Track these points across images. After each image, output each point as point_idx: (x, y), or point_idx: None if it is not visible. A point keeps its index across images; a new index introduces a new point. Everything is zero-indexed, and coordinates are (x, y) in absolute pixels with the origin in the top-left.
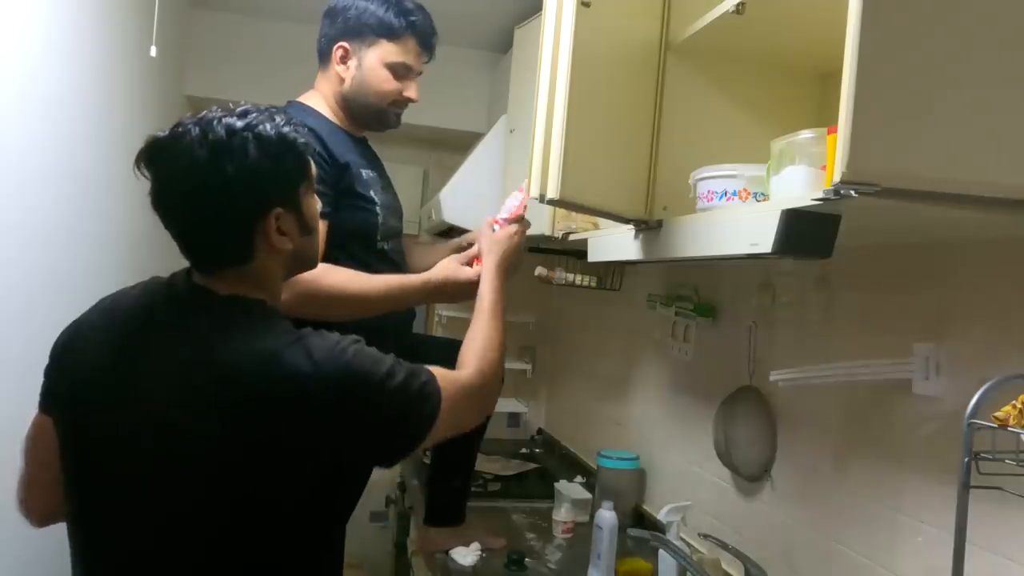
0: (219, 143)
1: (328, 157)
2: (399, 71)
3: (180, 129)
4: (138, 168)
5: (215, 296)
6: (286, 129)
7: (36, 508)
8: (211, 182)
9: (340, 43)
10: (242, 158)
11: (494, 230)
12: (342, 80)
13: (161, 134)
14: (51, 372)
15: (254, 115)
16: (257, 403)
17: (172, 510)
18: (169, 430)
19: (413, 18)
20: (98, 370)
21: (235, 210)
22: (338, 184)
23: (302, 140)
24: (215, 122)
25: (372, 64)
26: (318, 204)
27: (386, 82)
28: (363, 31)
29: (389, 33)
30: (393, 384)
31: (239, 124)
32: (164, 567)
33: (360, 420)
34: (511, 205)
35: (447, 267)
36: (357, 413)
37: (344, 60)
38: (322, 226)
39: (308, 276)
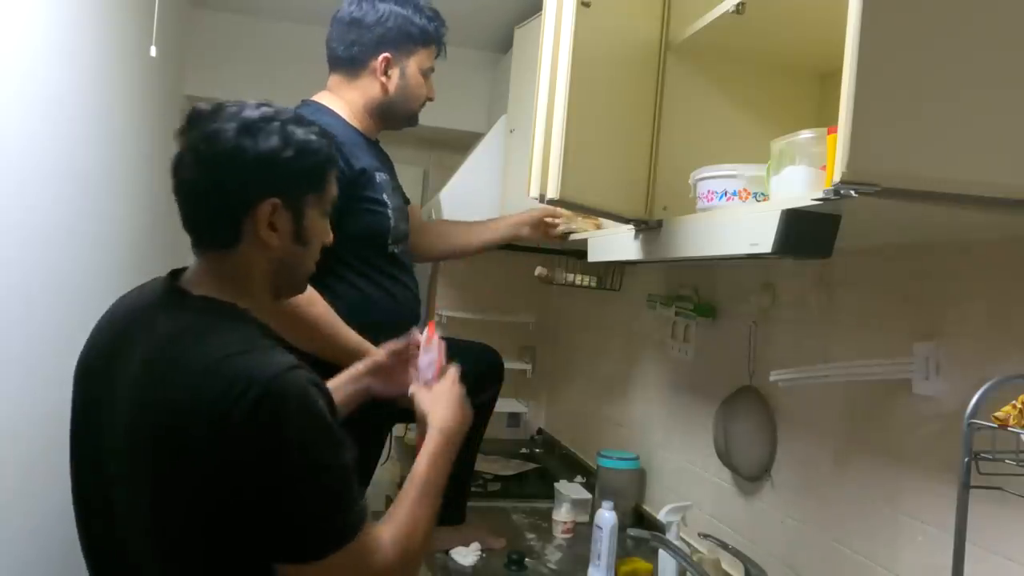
0: (248, 122)
1: (345, 164)
2: (428, 75)
3: (220, 105)
4: (177, 138)
5: (186, 296)
6: (315, 138)
7: None
8: (226, 151)
9: (383, 54)
10: (263, 141)
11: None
12: (385, 90)
13: (203, 106)
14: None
15: (292, 116)
16: (187, 411)
17: (142, 512)
18: (129, 433)
19: (436, 22)
20: (89, 375)
21: (236, 185)
22: (352, 190)
23: (328, 154)
24: (254, 106)
25: (414, 72)
26: (327, 229)
27: (422, 87)
28: (405, 40)
29: (426, 40)
30: (326, 477)
31: (274, 115)
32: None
33: (263, 483)
34: (430, 360)
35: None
36: (270, 471)
37: (387, 71)
38: None
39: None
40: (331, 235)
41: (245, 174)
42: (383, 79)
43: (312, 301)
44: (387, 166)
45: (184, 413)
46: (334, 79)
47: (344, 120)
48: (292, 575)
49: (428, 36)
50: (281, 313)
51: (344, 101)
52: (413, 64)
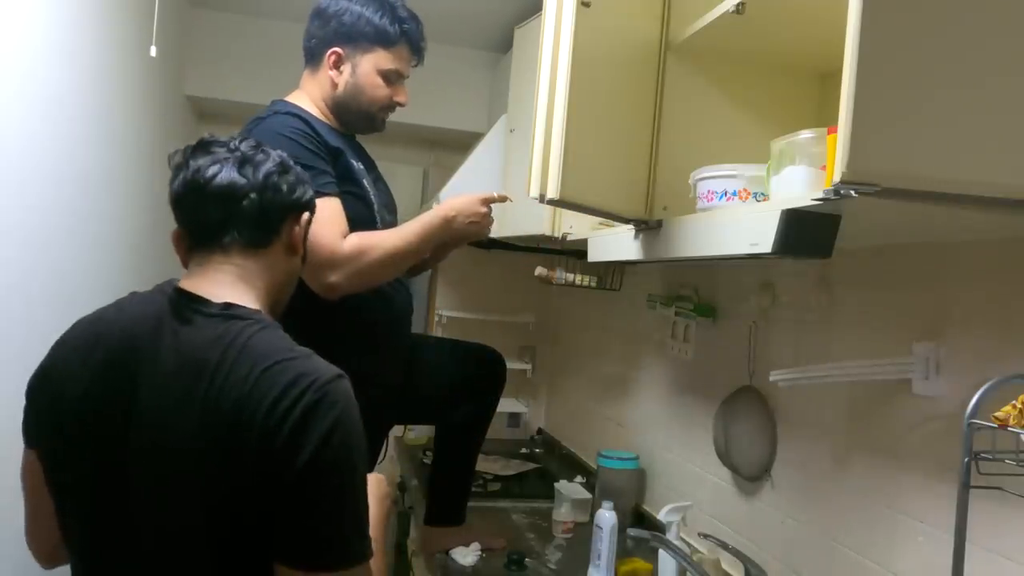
0: (279, 156)
1: (320, 140)
2: (391, 78)
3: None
4: (201, 151)
5: (208, 303)
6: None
7: (43, 542)
8: (275, 161)
9: (333, 48)
10: (294, 169)
11: None
12: (335, 85)
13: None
14: (33, 406)
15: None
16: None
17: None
18: (167, 436)
19: (407, 26)
20: (89, 398)
21: (283, 187)
22: (334, 168)
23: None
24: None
25: (366, 71)
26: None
27: (379, 88)
28: (358, 38)
29: (384, 41)
30: (361, 491)
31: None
32: None
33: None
34: None
35: (449, 200)
36: (317, 473)
37: (337, 65)
38: (336, 204)
39: (350, 251)
40: None
41: (291, 185)
42: (332, 73)
43: (364, 251)
44: (364, 158)
45: (242, 412)
46: (304, 73)
47: (309, 112)
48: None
49: (387, 37)
50: (366, 266)
51: (308, 95)
52: (367, 63)
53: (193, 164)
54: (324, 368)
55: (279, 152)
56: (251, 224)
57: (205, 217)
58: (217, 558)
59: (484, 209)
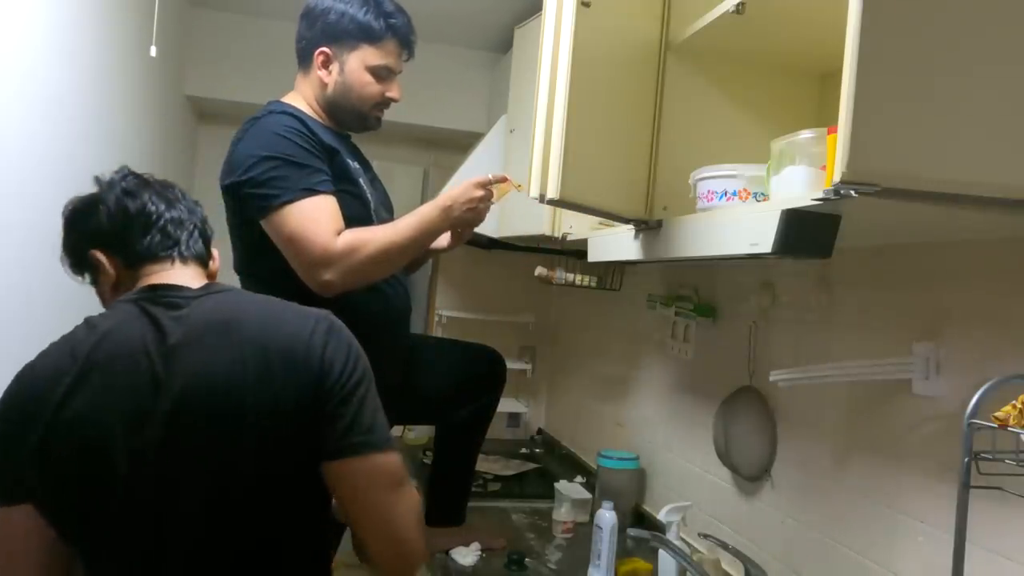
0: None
1: (315, 139)
2: (381, 74)
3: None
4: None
5: (189, 290)
6: None
7: None
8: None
9: (321, 48)
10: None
11: None
12: (324, 85)
13: None
14: (13, 455)
15: None
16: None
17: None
18: (204, 395)
19: (393, 20)
20: (100, 418)
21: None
22: (330, 167)
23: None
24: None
25: (354, 68)
26: None
27: (369, 85)
28: (343, 36)
29: (370, 37)
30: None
31: None
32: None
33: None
34: None
35: (446, 191)
36: (352, 377)
37: (326, 65)
38: (331, 202)
39: (344, 248)
40: None
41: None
42: (321, 73)
43: (357, 248)
44: (359, 158)
45: (294, 345)
46: (297, 74)
47: (304, 112)
48: (346, 473)
49: (372, 33)
50: (359, 265)
51: (301, 96)
52: (354, 60)
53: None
54: (315, 308)
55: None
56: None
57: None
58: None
59: (480, 192)
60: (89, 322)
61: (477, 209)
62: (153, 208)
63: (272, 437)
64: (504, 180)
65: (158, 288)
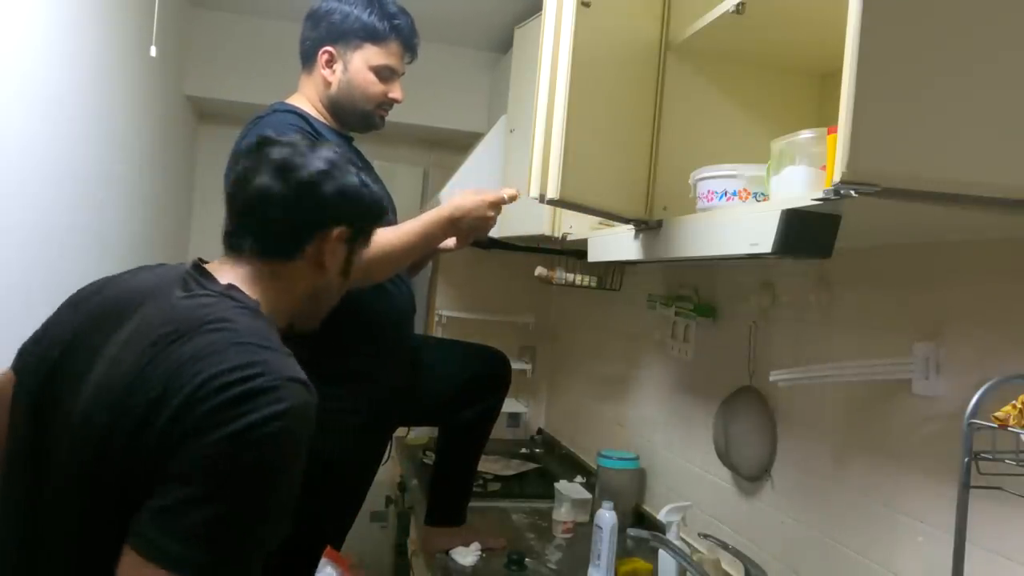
0: (330, 158)
1: (319, 137)
2: (384, 74)
3: (293, 140)
4: (253, 151)
5: (212, 280)
6: (377, 189)
7: None
8: (316, 172)
9: (325, 47)
10: (345, 176)
11: None
12: (328, 84)
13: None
14: (20, 351)
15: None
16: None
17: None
18: (109, 394)
19: (397, 21)
20: (67, 337)
21: (318, 204)
22: None
23: (385, 206)
24: (327, 148)
25: (358, 67)
26: (363, 264)
27: (372, 85)
28: (348, 35)
29: (373, 37)
30: (247, 516)
31: (346, 161)
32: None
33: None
34: None
35: (461, 196)
36: (216, 460)
37: (330, 64)
38: None
39: None
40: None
41: (329, 198)
42: (325, 72)
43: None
44: (363, 162)
45: (180, 376)
46: (301, 75)
47: (308, 112)
48: (127, 563)
49: (376, 33)
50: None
51: (305, 97)
52: (358, 59)
53: (244, 163)
54: (293, 369)
55: (329, 153)
56: (272, 236)
57: (231, 219)
58: (89, 530)
59: (492, 213)
60: (140, 268)
61: (484, 228)
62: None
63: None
64: (516, 198)
65: (199, 267)
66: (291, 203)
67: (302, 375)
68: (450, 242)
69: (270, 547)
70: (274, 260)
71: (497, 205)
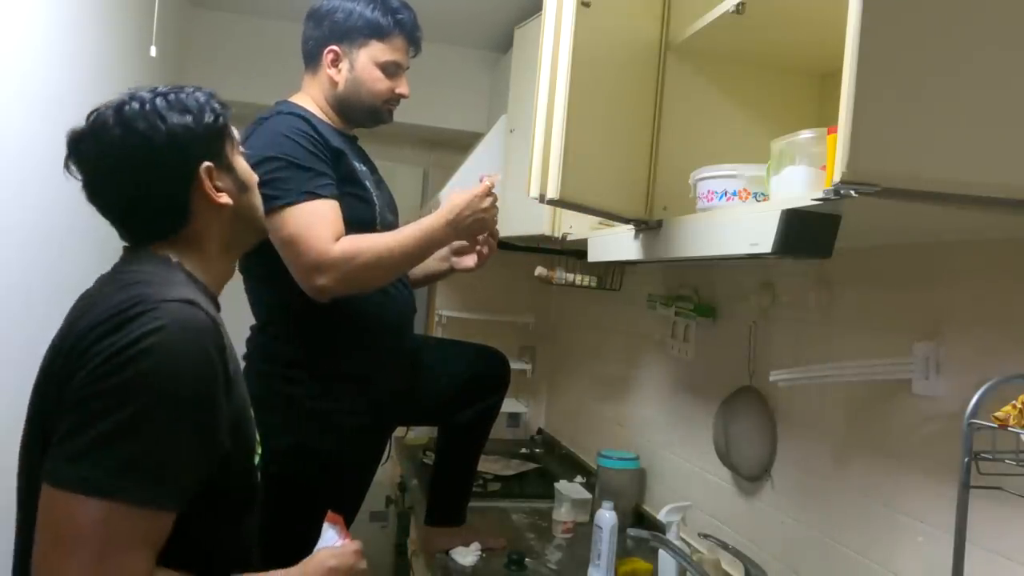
0: (133, 114)
1: (322, 141)
2: (390, 69)
3: (95, 115)
4: (68, 169)
5: (137, 252)
6: (199, 94)
7: None
8: (135, 151)
9: (330, 47)
10: (158, 121)
11: None
12: (335, 83)
13: (77, 127)
14: None
15: (165, 88)
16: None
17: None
18: (46, 361)
19: (400, 16)
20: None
21: (165, 170)
22: (336, 170)
23: (217, 102)
24: (128, 99)
25: (364, 65)
26: (247, 167)
27: (379, 81)
28: (352, 33)
29: (378, 33)
30: (146, 426)
31: (149, 95)
32: None
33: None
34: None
35: (450, 198)
36: (102, 382)
37: (335, 63)
38: (332, 207)
39: (341, 254)
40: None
41: (166, 159)
42: (331, 72)
43: (354, 255)
44: (366, 160)
45: (80, 329)
46: (304, 75)
47: (313, 113)
48: (42, 499)
49: (380, 29)
50: (353, 272)
51: (310, 96)
52: (363, 57)
53: (82, 178)
54: (177, 292)
55: (125, 110)
56: (153, 216)
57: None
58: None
59: (486, 204)
60: None
61: (483, 219)
62: None
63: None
64: (495, 179)
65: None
66: (148, 183)
67: (187, 296)
68: (468, 261)
69: (192, 472)
70: (172, 238)
71: (487, 194)
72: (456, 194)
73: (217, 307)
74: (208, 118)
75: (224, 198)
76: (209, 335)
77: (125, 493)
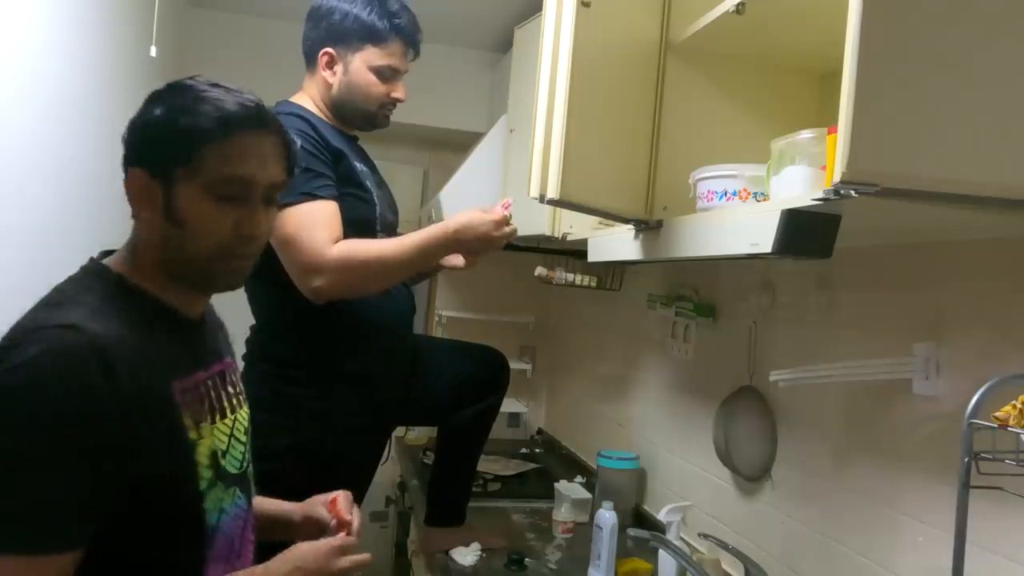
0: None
1: (322, 142)
2: (385, 74)
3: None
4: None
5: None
6: (188, 110)
7: None
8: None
9: (325, 49)
10: (141, 112)
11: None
12: (329, 85)
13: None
14: None
15: (176, 93)
16: None
17: None
18: None
19: (398, 20)
20: None
21: (125, 152)
22: (336, 170)
23: (201, 128)
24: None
25: (358, 68)
26: (215, 215)
27: (373, 86)
28: (347, 36)
29: (374, 37)
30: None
31: (160, 92)
32: None
33: None
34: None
35: (467, 213)
36: None
37: (330, 66)
38: (330, 208)
39: (337, 257)
40: (246, 226)
41: (128, 142)
42: (326, 74)
43: (351, 245)
44: (366, 160)
45: None
46: (305, 75)
47: (312, 113)
48: None
49: (376, 33)
50: (348, 275)
51: (309, 96)
52: (358, 60)
53: None
54: (58, 317)
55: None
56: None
57: None
58: None
59: (497, 233)
60: None
61: (490, 246)
62: None
63: None
64: (510, 205)
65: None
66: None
67: (70, 319)
68: (457, 260)
69: (80, 508)
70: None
71: (503, 223)
72: (475, 212)
73: (190, 315)
74: (169, 130)
75: (140, 210)
76: (85, 361)
77: (6, 545)
